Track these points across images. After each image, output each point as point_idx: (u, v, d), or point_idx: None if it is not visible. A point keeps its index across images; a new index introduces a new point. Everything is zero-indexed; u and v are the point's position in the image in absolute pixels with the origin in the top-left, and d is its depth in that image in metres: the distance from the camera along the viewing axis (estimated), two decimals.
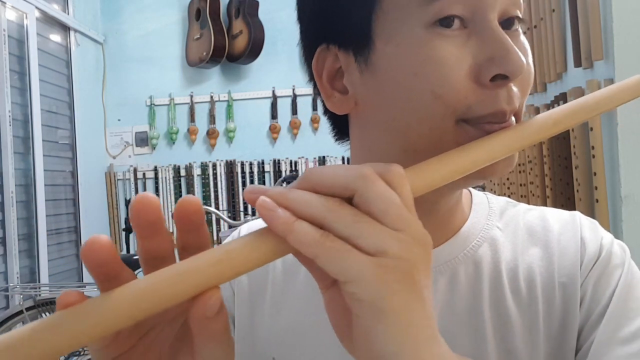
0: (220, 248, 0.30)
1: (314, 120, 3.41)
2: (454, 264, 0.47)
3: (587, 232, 0.48)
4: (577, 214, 0.50)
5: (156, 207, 0.29)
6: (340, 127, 0.50)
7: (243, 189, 3.39)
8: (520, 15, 0.42)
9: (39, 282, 2.70)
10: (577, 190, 1.26)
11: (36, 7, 2.84)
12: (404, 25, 0.40)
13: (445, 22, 0.39)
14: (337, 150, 3.21)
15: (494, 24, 0.39)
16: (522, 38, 0.42)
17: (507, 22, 0.41)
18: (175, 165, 3.48)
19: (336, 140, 0.51)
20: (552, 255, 0.47)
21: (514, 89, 0.39)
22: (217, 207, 3.37)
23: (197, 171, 3.46)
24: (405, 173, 0.33)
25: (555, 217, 0.50)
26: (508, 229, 0.49)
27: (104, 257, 0.28)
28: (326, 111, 0.49)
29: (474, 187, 0.53)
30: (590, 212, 1.20)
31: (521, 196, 1.76)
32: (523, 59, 0.38)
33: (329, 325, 0.34)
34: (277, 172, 3.40)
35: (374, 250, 0.29)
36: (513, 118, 0.40)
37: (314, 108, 3.38)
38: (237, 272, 0.30)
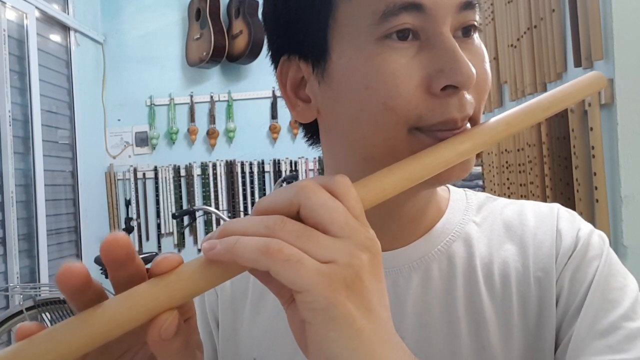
0: (173, 271, 0.31)
1: None
2: (427, 260, 0.47)
3: (563, 223, 0.47)
4: (555, 206, 0.50)
5: (125, 244, 0.30)
6: (312, 133, 0.51)
7: (243, 189, 3.40)
8: (477, 24, 0.42)
9: (39, 282, 2.70)
10: (577, 190, 1.26)
11: (36, 7, 2.84)
12: (357, 40, 0.40)
13: (398, 34, 0.39)
14: None
15: (446, 35, 0.39)
16: (477, 44, 0.43)
17: (465, 30, 0.42)
18: (175, 165, 3.48)
19: (309, 145, 0.52)
20: (528, 249, 0.47)
21: (467, 96, 0.40)
22: (217, 207, 3.37)
23: (197, 171, 3.46)
24: (352, 183, 0.33)
25: (533, 211, 0.50)
26: (485, 223, 0.50)
27: (79, 285, 0.29)
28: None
29: (472, 188, 0.53)
30: (590, 212, 1.20)
31: (521, 196, 1.76)
32: (473, 69, 0.38)
33: None
34: (277, 172, 3.41)
35: (322, 261, 0.29)
36: (469, 124, 0.41)
37: None
38: (190, 293, 0.30)
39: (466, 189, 0.54)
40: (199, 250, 3.44)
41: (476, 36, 0.43)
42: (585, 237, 0.46)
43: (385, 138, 0.41)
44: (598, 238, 0.46)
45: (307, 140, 0.52)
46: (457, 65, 0.38)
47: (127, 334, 0.30)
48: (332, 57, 0.42)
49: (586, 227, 0.47)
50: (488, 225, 0.49)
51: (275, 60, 0.48)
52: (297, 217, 0.31)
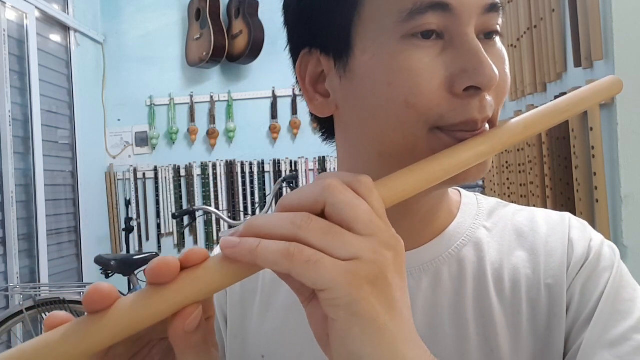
0: (200, 265, 0.31)
1: None
2: (437, 263, 0.47)
3: (575, 233, 0.47)
4: (567, 215, 0.50)
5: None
6: (327, 128, 0.51)
7: (243, 189, 3.40)
8: (499, 29, 0.42)
9: (39, 282, 2.70)
10: (577, 190, 1.26)
11: (36, 7, 2.84)
12: (381, 36, 0.40)
13: (422, 33, 0.39)
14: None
15: (470, 36, 0.40)
16: (499, 47, 0.43)
17: (487, 33, 0.42)
18: (175, 165, 3.48)
19: (323, 140, 0.53)
20: (539, 256, 0.47)
21: (488, 98, 0.40)
22: (217, 207, 3.37)
23: (197, 171, 3.46)
24: (375, 183, 0.34)
25: (544, 219, 0.50)
26: (496, 229, 0.50)
27: (106, 307, 0.30)
28: (311, 113, 0.50)
29: (472, 188, 0.53)
30: (590, 212, 1.20)
31: (521, 196, 1.76)
32: (496, 71, 0.39)
33: None
34: (277, 172, 3.40)
35: (346, 257, 0.30)
36: (487, 125, 0.41)
37: None
38: (216, 287, 0.31)
39: (477, 193, 0.54)
40: None
41: (498, 39, 0.43)
42: (597, 248, 0.46)
43: (404, 135, 0.41)
44: (609, 249, 0.47)
45: (321, 135, 0.52)
46: (481, 66, 0.38)
47: (146, 330, 0.31)
48: (355, 52, 0.42)
49: (597, 237, 0.48)
50: (499, 231, 0.49)
51: (294, 53, 0.48)
52: (322, 214, 0.32)
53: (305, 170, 3.39)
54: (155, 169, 3.50)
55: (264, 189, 3.42)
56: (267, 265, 0.30)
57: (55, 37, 3.11)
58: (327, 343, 0.33)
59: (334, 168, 3.35)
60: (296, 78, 0.48)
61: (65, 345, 0.28)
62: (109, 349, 0.33)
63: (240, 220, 3.18)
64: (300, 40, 0.47)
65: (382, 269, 0.30)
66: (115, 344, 0.31)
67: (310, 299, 0.34)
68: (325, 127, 0.51)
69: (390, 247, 0.31)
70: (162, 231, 3.48)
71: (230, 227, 2.86)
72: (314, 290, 0.33)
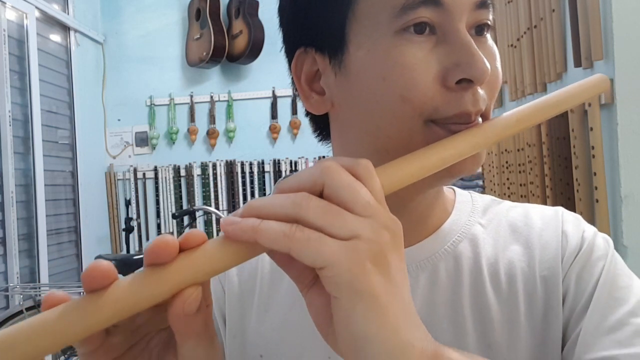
0: (199, 247, 0.31)
1: None
2: (434, 260, 0.48)
3: (568, 226, 0.48)
4: (560, 209, 0.51)
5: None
6: (322, 128, 0.52)
7: (243, 189, 3.40)
8: (490, 23, 0.44)
9: (39, 282, 2.70)
10: (577, 190, 1.26)
11: (36, 7, 2.84)
12: (375, 32, 0.41)
13: (415, 28, 0.40)
14: None
15: (462, 32, 0.41)
16: (490, 44, 0.44)
17: (479, 29, 0.43)
18: (175, 165, 3.48)
19: (319, 140, 0.53)
20: (534, 250, 0.48)
21: (480, 91, 0.41)
22: (217, 207, 3.37)
23: (197, 171, 3.46)
24: (374, 169, 0.34)
25: (538, 214, 0.51)
26: (491, 225, 0.50)
27: (106, 286, 0.29)
28: (307, 113, 0.50)
29: (472, 188, 0.54)
30: (590, 212, 1.20)
31: (521, 196, 1.76)
32: (488, 64, 0.40)
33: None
34: (277, 172, 3.40)
35: (346, 236, 0.30)
36: (480, 119, 0.42)
37: None
38: (215, 269, 0.31)
39: (471, 191, 0.55)
40: None
41: (488, 36, 0.44)
42: (590, 239, 0.47)
43: (400, 130, 0.42)
44: (602, 240, 0.47)
45: (317, 136, 0.53)
46: (473, 60, 0.39)
47: (144, 320, 0.31)
48: (349, 49, 0.43)
49: (590, 229, 0.48)
50: (494, 227, 0.50)
51: (290, 53, 0.49)
52: (320, 197, 0.32)
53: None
54: (155, 169, 3.50)
55: (264, 189, 3.42)
56: (268, 243, 0.30)
57: (55, 37, 3.11)
58: (328, 332, 0.33)
59: None
60: (292, 78, 0.48)
61: (62, 324, 0.28)
62: (106, 338, 0.33)
63: None
64: (295, 41, 0.47)
65: (382, 247, 0.31)
66: (112, 328, 0.30)
67: (310, 285, 0.34)
68: (321, 126, 0.51)
69: (389, 228, 0.32)
70: (162, 231, 3.48)
71: None
72: (313, 277, 0.33)
